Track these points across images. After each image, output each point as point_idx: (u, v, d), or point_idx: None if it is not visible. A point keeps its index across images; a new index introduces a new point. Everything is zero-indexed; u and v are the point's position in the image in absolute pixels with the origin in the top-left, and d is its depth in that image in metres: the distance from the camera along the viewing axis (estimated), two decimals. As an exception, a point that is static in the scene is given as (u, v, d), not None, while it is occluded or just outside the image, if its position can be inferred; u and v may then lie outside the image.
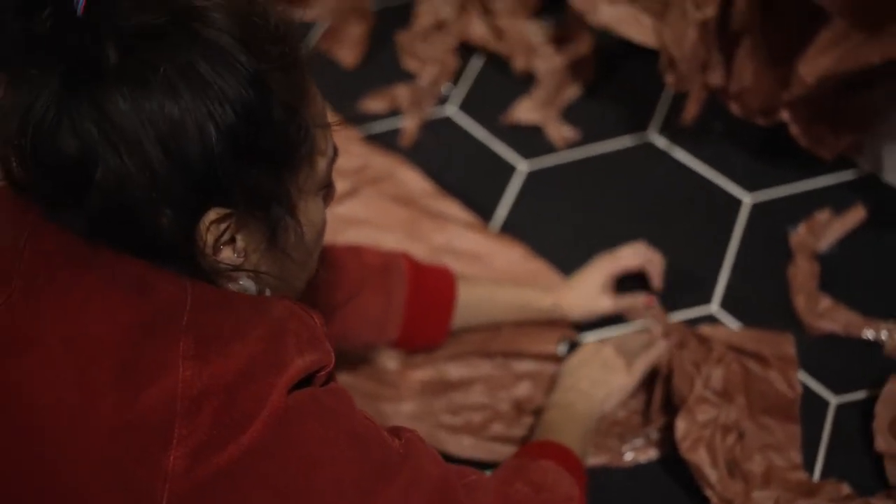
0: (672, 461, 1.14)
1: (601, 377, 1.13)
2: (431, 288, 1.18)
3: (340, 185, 1.41)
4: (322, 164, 0.73)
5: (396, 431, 0.79)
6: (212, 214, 0.66)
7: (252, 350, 0.66)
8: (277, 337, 0.68)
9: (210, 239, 0.67)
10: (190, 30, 0.64)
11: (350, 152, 1.48)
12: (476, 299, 1.22)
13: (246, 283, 0.71)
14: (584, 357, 1.17)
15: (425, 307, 1.17)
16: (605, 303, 1.24)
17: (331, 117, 0.75)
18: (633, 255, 1.26)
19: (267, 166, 0.67)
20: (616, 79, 1.59)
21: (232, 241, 0.68)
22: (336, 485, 0.68)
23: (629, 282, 1.29)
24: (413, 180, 1.46)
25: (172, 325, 0.64)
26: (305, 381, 0.69)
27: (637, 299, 1.24)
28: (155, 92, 0.62)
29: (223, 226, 0.67)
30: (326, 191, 0.76)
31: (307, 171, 0.71)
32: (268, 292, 0.74)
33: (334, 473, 0.68)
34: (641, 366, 1.15)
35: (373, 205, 1.42)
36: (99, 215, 0.64)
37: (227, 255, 0.69)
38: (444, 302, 1.19)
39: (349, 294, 1.10)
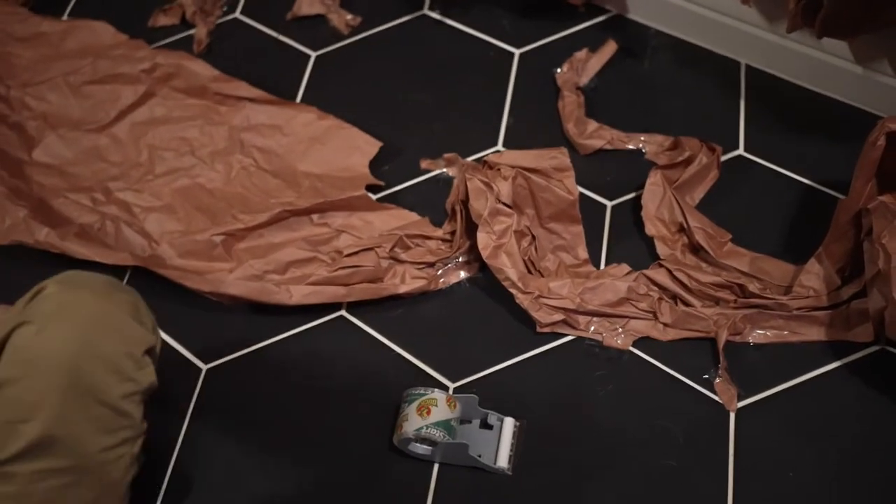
0: (480, 278, 1.29)
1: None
2: None
3: (136, 89, 1.49)
4: None
5: None
6: None
7: None
8: None
9: None
10: None
11: (136, 58, 1.55)
12: None
13: None
14: None
15: None
16: None
17: None
18: None
19: None
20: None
21: None
22: None
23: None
24: (201, 69, 1.53)
25: None
26: None
27: None
28: None
29: None
30: None
31: None
32: None
33: None
34: None
35: (169, 101, 1.50)
36: None
37: None
38: None
39: None
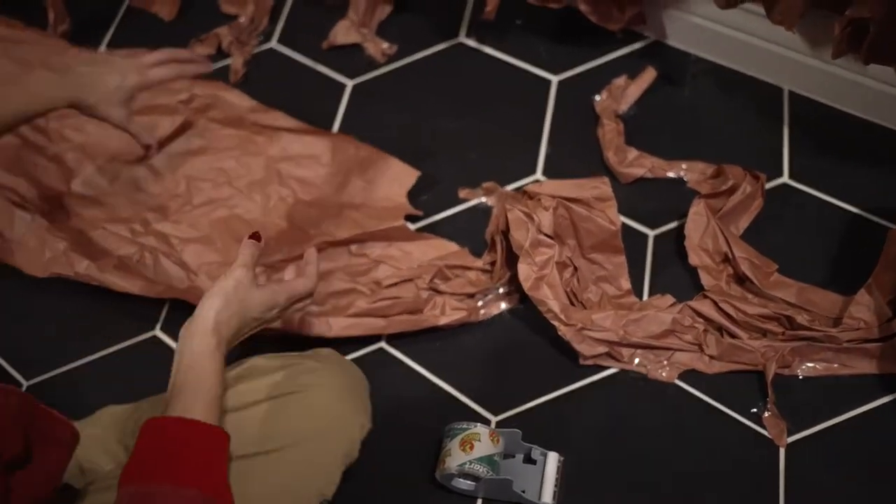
0: (521, 309, 1.28)
1: (239, 310, 0.96)
2: None
3: (174, 120, 1.49)
4: None
5: None
6: None
7: None
8: None
9: None
10: None
11: (174, 88, 1.54)
12: None
13: None
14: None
15: None
16: (126, 121, 1.24)
17: None
18: (157, 66, 1.25)
19: None
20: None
21: None
22: None
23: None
24: (238, 100, 1.53)
25: None
26: None
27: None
28: None
29: None
30: None
31: None
32: None
33: None
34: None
35: (206, 132, 1.50)
36: None
37: None
38: None
39: None
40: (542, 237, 1.22)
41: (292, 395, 0.98)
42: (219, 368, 0.89)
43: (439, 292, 1.28)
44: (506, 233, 1.26)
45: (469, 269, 1.30)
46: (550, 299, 1.20)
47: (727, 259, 1.25)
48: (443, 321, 1.26)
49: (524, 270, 1.21)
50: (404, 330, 1.26)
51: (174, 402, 0.85)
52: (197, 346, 0.89)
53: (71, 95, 1.17)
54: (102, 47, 1.73)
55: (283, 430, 0.96)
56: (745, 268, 1.21)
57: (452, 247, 1.34)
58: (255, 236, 1.01)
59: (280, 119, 1.50)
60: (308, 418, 0.98)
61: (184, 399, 0.85)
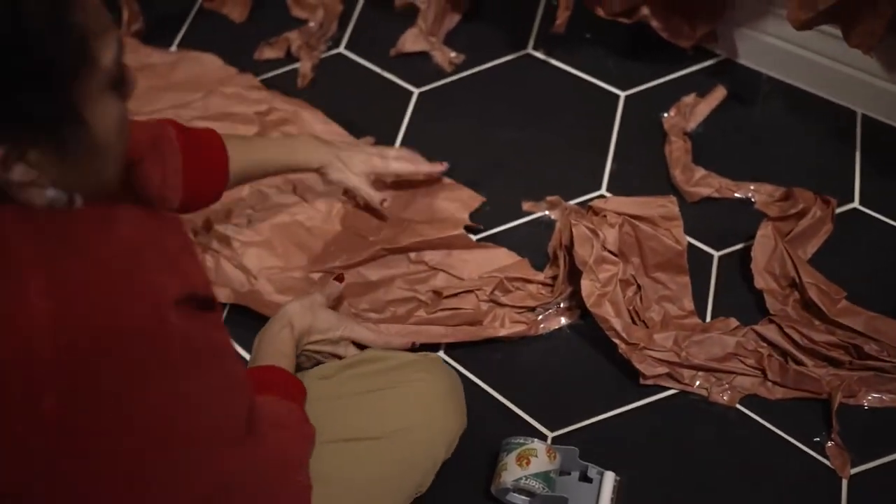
0: (581, 324, 1.27)
1: (309, 313, 1.15)
2: (204, 152, 1.18)
3: (247, 130, 1.50)
4: (105, 63, 0.64)
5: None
6: None
7: (114, 280, 0.62)
8: (136, 263, 0.64)
9: None
10: None
11: (252, 98, 1.57)
12: (245, 159, 1.23)
13: (52, 194, 0.64)
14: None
15: (201, 171, 1.17)
16: (363, 187, 1.34)
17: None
18: (397, 159, 1.37)
19: (35, 85, 0.60)
20: (492, 3, 1.70)
21: (22, 157, 0.62)
22: (193, 432, 0.69)
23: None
24: (315, 119, 1.54)
25: (12, 262, 0.60)
26: (182, 305, 0.66)
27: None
28: None
29: (6, 146, 0.60)
30: (120, 87, 0.68)
31: (87, 76, 0.64)
32: (79, 199, 0.67)
33: (197, 422, 0.69)
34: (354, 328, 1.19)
35: None
36: None
37: (19, 171, 0.62)
38: (218, 164, 1.19)
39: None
40: (606, 254, 1.22)
41: (401, 386, 1.05)
42: (288, 342, 1.08)
43: (500, 304, 1.28)
44: (569, 248, 1.26)
45: (530, 282, 1.29)
46: (612, 317, 1.19)
47: (794, 284, 1.23)
48: (502, 333, 1.26)
49: (587, 287, 1.20)
50: (463, 340, 1.26)
51: (251, 364, 1.05)
52: (271, 328, 1.10)
53: (326, 160, 1.31)
54: (174, 47, 1.75)
55: (392, 417, 1.02)
56: (812, 293, 1.19)
57: (511, 257, 1.33)
58: (340, 278, 1.26)
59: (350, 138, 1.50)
60: (415, 409, 1.04)
61: (259, 361, 1.04)
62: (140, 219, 0.68)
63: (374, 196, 1.35)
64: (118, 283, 0.62)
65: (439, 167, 1.40)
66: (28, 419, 0.59)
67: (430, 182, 1.43)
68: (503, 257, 1.34)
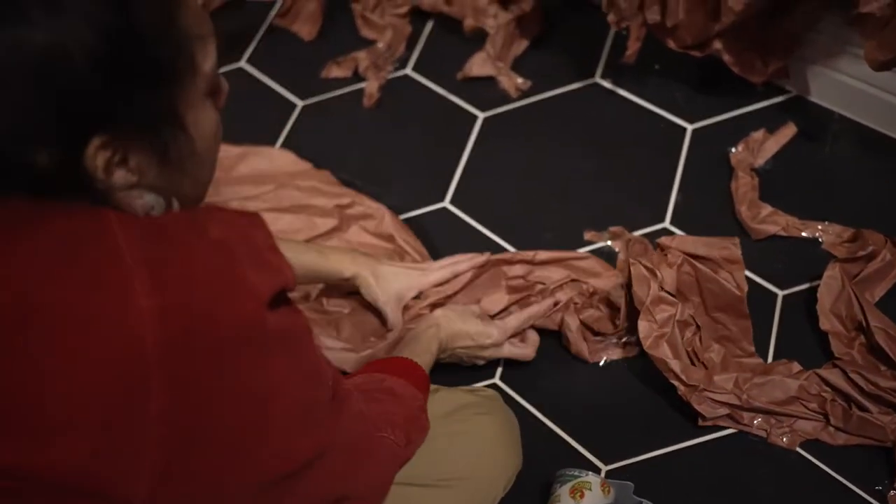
0: (638, 359, 1.26)
1: (460, 320, 1.22)
2: None
3: (325, 223, 1.43)
4: (205, 69, 0.66)
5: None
6: (95, 141, 0.61)
7: (211, 279, 0.63)
8: (231, 261, 0.65)
9: (100, 163, 0.62)
10: None
11: (333, 192, 1.49)
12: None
13: (150, 199, 0.66)
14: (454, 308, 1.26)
15: None
16: (387, 309, 1.29)
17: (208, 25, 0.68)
18: (440, 273, 1.32)
19: (142, 84, 0.62)
20: (561, 30, 1.70)
21: (124, 161, 0.63)
22: (286, 417, 0.69)
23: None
24: (395, 227, 1.44)
25: (116, 263, 0.60)
26: (272, 303, 0.66)
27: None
28: (5, 23, 0.56)
29: (110, 149, 0.62)
30: (215, 95, 0.70)
31: (189, 81, 0.66)
32: (175, 204, 0.69)
33: (287, 405, 0.69)
34: (513, 321, 1.25)
35: (354, 238, 1.44)
36: None
37: (120, 175, 0.63)
38: None
39: None
40: (664, 294, 1.20)
41: (463, 431, 1.07)
42: (428, 338, 1.16)
43: (575, 310, 1.27)
44: (629, 286, 1.25)
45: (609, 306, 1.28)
46: (670, 358, 1.17)
47: (861, 327, 1.20)
48: (566, 334, 1.26)
49: (644, 328, 1.19)
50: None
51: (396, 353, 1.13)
52: (419, 325, 1.20)
53: (356, 272, 1.28)
54: (243, 63, 1.78)
55: (454, 465, 1.03)
56: (879, 338, 1.17)
57: (609, 272, 1.33)
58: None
59: (422, 252, 1.43)
60: (476, 457, 1.06)
61: (398, 353, 1.12)
62: (228, 218, 0.69)
63: (393, 321, 1.29)
64: (215, 281, 0.63)
65: (480, 258, 1.32)
66: (139, 417, 0.59)
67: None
68: (599, 267, 1.34)
